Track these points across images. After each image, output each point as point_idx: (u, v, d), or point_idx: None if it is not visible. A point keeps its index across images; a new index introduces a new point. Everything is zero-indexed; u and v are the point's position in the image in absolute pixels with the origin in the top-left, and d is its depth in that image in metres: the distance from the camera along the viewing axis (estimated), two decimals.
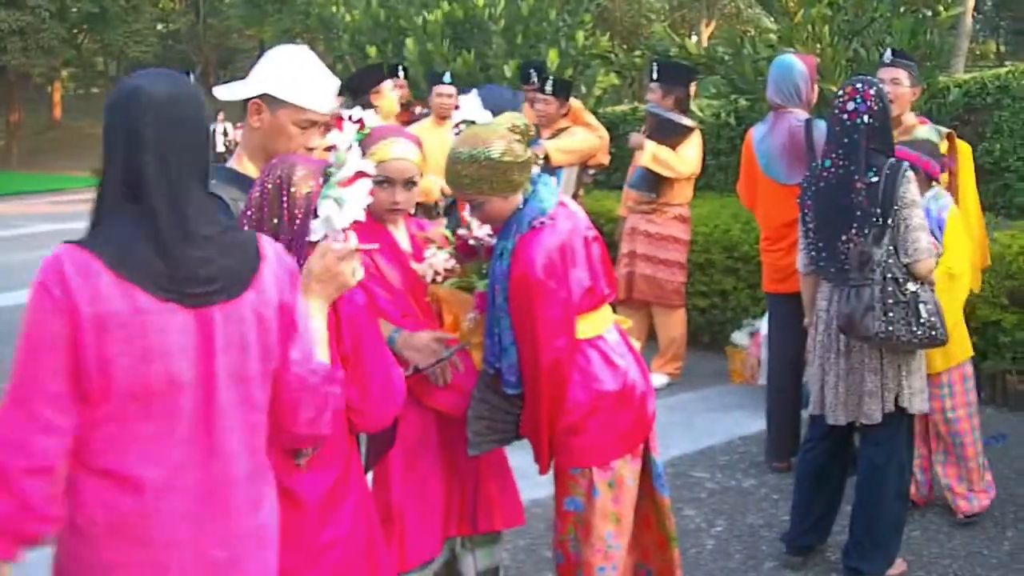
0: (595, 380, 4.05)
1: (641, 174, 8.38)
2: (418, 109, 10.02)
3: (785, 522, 5.57)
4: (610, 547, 4.12)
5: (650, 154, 8.19)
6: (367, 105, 7.74)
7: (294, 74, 3.76)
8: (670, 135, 8.31)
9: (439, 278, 4.22)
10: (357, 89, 8.07)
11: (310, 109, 3.77)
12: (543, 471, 4.18)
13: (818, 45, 10.02)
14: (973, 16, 26.98)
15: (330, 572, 3.32)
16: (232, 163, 3.88)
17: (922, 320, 4.78)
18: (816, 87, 6.60)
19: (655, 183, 8.39)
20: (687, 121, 8.35)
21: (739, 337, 8.72)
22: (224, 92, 3.86)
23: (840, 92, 5.03)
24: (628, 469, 4.16)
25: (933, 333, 4.81)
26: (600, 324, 4.15)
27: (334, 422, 3.12)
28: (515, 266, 3.90)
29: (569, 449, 4.08)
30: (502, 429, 4.10)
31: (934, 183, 5.59)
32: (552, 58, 11.46)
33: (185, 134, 2.68)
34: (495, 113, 5.58)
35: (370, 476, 4.19)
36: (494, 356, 4.04)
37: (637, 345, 4.37)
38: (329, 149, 4.06)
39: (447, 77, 9.16)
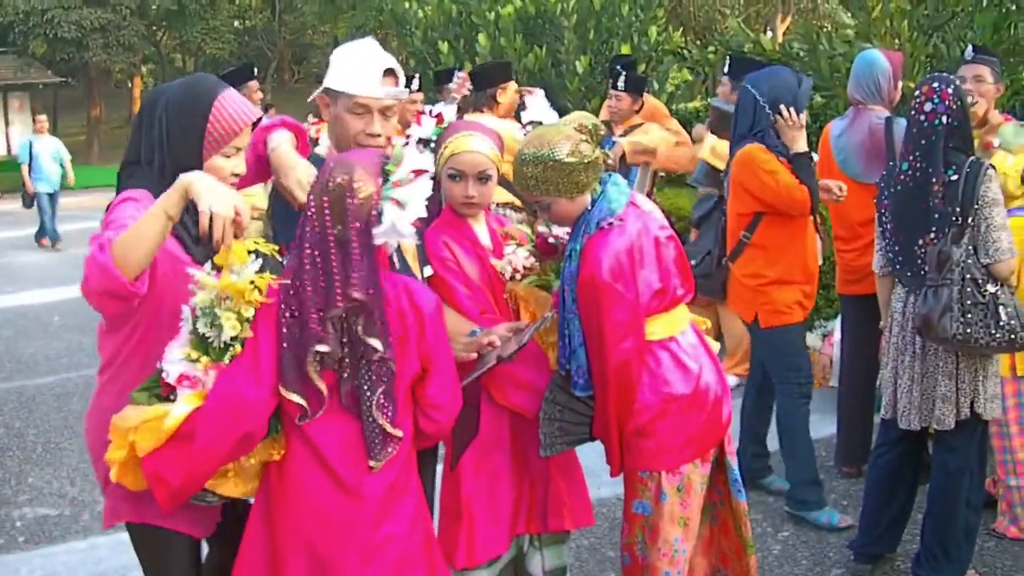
0: (665, 383, 3.99)
1: (703, 169, 8.23)
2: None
3: (854, 529, 5.46)
4: (676, 551, 4.07)
5: (708, 147, 8.04)
6: (492, 99, 7.74)
7: (343, 64, 3.89)
8: (731, 128, 8.13)
9: (518, 275, 4.21)
10: (484, 83, 8.00)
11: (357, 94, 3.84)
12: (614, 473, 4.15)
13: (896, 40, 9.87)
14: None
15: (387, 568, 3.34)
16: (323, 155, 3.98)
17: (1001, 323, 4.65)
18: (899, 85, 6.42)
19: (717, 177, 8.23)
20: None
21: (811, 339, 8.58)
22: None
23: (917, 92, 4.91)
24: (698, 474, 4.10)
25: (1012, 337, 4.67)
26: (673, 326, 4.09)
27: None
28: (583, 268, 3.87)
29: (638, 452, 4.04)
30: (574, 431, 4.06)
31: None
32: (625, 53, 11.36)
33: None
34: (777, 94, 5.66)
35: (439, 471, 4.18)
36: (564, 357, 4.00)
37: (716, 347, 4.28)
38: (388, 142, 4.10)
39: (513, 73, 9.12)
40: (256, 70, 9.34)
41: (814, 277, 5.97)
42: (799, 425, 5.99)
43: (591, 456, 4.20)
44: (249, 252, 3.18)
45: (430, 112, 4.18)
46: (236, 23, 51.15)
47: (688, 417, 4.02)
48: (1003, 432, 5.52)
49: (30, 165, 19.17)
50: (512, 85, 8.07)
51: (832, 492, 6.31)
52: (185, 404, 3.09)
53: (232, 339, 3.12)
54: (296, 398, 3.15)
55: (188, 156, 3.34)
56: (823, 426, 7.24)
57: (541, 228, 4.29)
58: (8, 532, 6.23)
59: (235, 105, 3.41)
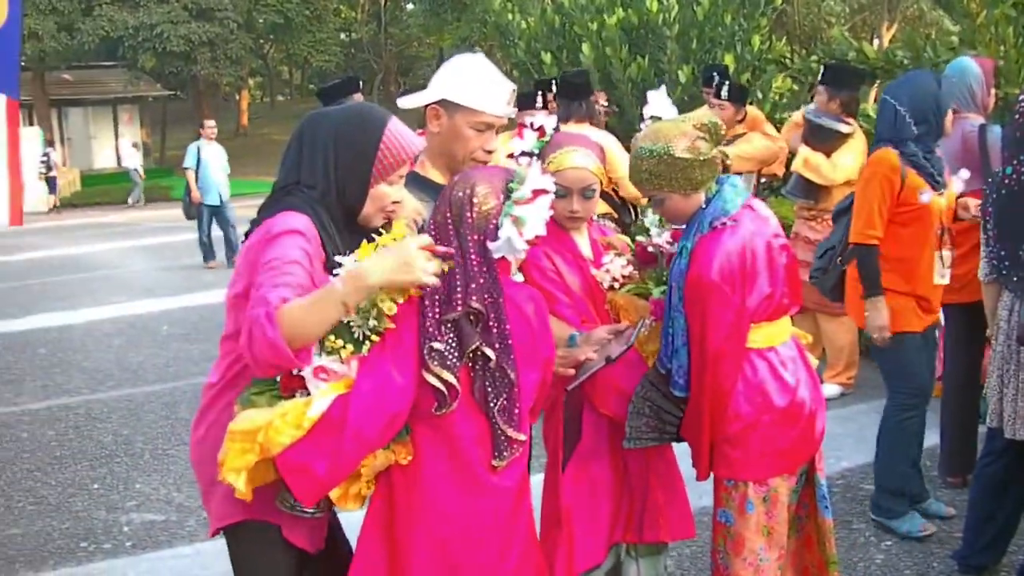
0: (760, 393, 3.98)
1: (796, 180, 8.20)
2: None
3: (958, 539, 5.41)
4: (762, 560, 4.05)
5: (802, 159, 8.03)
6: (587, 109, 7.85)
7: (468, 79, 3.92)
8: (824, 140, 8.06)
9: (617, 284, 4.23)
10: (573, 93, 8.12)
11: (484, 112, 3.91)
12: (701, 477, 4.15)
13: (1001, 47, 9.75)
14: None
15: (514, 570, 3.41)
16: (416, 168, 4.00)
17: None
18: (993, 91, 6.37)
19: (811, 189, 8.20)
20: (843, 127, 8.04)
21: None
22: (406, 102, 4.10)
23: (1021, 96, 4.87)
24: (785, 487, 4.09)
25: None
26: (775, 336, 4.07)
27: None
28: (692, 266, 3.87)
29: (726, 460, 4.04)
30: (661, 428, 4.06)
31: None
32: (728, 63, 11.35)
33: None
34: (924, 108, 5.61)
35: (538, 480, 4.24)
36: (666, 356, 4.00)
37: (815, 363, 4.28)
38: (511, 156, 4.15)
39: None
40: (362, 82, 9.46)
41: (931, 288, 5.78)
42: (900, 435, 5.90)
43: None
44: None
45: (531, 125, 4.24)
46: (342, 36, 51.79)
47: (780, 430, 4.01)
48: None
49: (197, 173, 18.08)
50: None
51: (938, 501, 6.23)
52: (330, 392, 3.13)
53: (373, 330, 3.18)
54: (448, 375, 3.19)
55: (356, 184, 3.40)
56: (927, 436, 7.17)
57: (640, 237, 4.32)
58: (116, 537, 6.38)
59: (403, 137, 3.46)
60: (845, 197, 7.03)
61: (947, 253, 5.73)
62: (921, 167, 5.62)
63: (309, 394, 3.16)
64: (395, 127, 3.46)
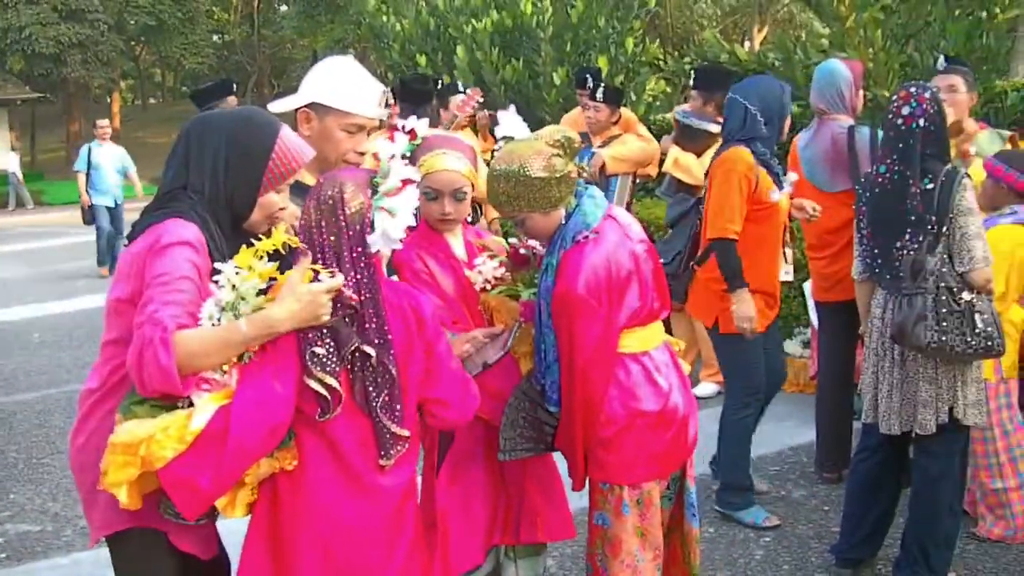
0: (634, 398, 4.00)
1: (668, 181, 8.27)
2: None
3: (835, 533, 5.49)
4: (639, 561, 4.08)
5: (672, 159, 8.10)
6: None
7: (338, 81, 3.92)
8: (695, 141, 8.08)
9: (489, 286, 4.22)
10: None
11: (355, 113, 3.92)
12: (576, 487, 4.17)
13: (870, 50, 9.96)
14: None
15: (401, 571, 3.39)
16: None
17: (977, 330, 4.68)
18: (861, 93, 6.50)
19: (683, 189, 8.26)
20: (713, 127, 8.08)
21: (790, 346, 8.65)
22: (277, 106, 4.08)
23: (895, 97, 4.96)
24: (658, 490, 4.13)
25: (989, 344, 4.71)
26: (648, 341, 4.10)
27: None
28: (558, 282, 3.88)
29: (601, 464, 4.06)
30: (536, 438, 4.07)
31: None
32: (602, 65, 11.43)
33: None
34: (772, 110, 5.83)
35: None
36: (540, 372, 4.02)
37: (687, 369, 4.31)
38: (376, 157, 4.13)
39: (461, 86, 9.28)
40: (236, 85, 9.36)
41: (776, 284, 5.95)
42: (739, 431, 6.04)
43: None
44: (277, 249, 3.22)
45: (403, 128, 4.21)
46: (215, 38, 51.27)
47: (654, 434, 4.03)
48: (986, 436, 5.57)
49: (88, 176, 17.05)
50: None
51: (813, 497, 6.35)
52: (211, 404, 3.08)
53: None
54: (330, 380, 3.15)
55: (245, 191, 3.36)
56: (803, 432, 7.32)
57: (513, 239, 4.31)
58: None
59: (295, 145, 3.44)
60: (677, 201, 7.15)
61: (788, 251, 5.98)
62: (769, 166, 5.79)
63: (190, 405, 3.10)
64: (287, 135, 3.43)
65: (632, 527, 4.06)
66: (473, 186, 4.23)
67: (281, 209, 3.46)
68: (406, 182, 3.36)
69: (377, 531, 3.32)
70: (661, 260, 6.15)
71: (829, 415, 6.58)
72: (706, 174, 6.13)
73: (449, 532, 4.15)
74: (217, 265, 3.15)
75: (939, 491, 4.96)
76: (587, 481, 4.15)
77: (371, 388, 3.25)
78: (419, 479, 4.24)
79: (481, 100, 8.96)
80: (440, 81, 9.93)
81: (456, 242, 4.27)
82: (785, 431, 7.55)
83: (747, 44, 21.90)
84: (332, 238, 3.25)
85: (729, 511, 6.07)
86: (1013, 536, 5.62)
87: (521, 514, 4.26)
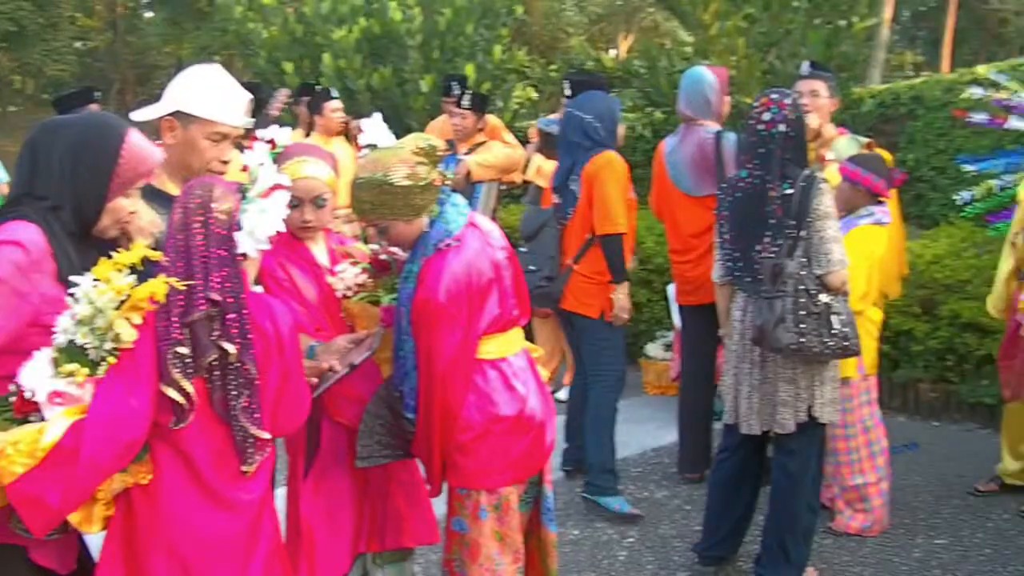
0: (491, 403, 4.01)
1: (533, 189, 8.32)
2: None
3: (697, 532, 5.55)
4: (498, 565, 4.08)
5: (535, 168, 8.16)
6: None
7: (202, 90, 3.88)
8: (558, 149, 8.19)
9: (351, 293, 4.19)
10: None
11: (219, 122, 3.87)
12: (433, 494, 4.17)
13: (733, 57, 10.11)
14: (891, 27, 27.32)
15: None
16: (153, 180, 3.83)
17: (834, 331, 4.77)
18: (727, 99, 6.62)
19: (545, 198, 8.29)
20: None
21: (653, 349, 8.76)
22: (140, 114, 4.00)
23: (755, 103, 5.06)
24: (516, 495, 4.15)
25: (845, 344, 4.81)
26: (507, 347, 4.11)
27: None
28: (419, 290, 3.88)
29: (458, 469, 4.06)
30: (393, 445, 4.07)
31: (880, 199, 5.64)
32: (469, 73, 11.44)
33: None
34: (605, 119, 6.19)
35: (280, 493, 4.17)
36: (399, 379, 4.01)
37: (546, 375, 4.33)
38: (245, 170, 4.08)
39: (334, 92, 9.21)
40: (99, 92, 9.20)
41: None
42: (610, 415, 6.34)
43: None
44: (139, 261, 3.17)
45: (263, 138, 4.17)
46: (78, 44, 50.22)
47: (511, 440, 4.05)
48: (848, 433, 5.70)
49: None
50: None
51: (676, 498, 6.44)
52: (63, 419, 3.01)
53: (110, 352, 3.08)
54: (187, 385, 3.09)
55: (93, 197, 3.29)
56: (665, 434, 7.41)
57: (374, 245, 4.31)
58: None
59: (143, 149, 3.38)
60: (532, 213, 7.26)
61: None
62: None
63: (44, 419, 3.03)
64: (134, 139, 3.37)
65: (490, 532, 4.06)
66: (334, 193, 4.21)
67: (131, 214, 3.41)
68: (276, 187, 3.36)
69: (234, 543, 3.27)
70: (531, 268, 6.39)
71: (691, 416, 6.68)
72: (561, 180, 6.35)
73: (315, 541, 4.13)
74: (74, 279, 3.09)
75: (798, 488, 5.06)
76: (445, 487, 4.16)
77: (232, 390, 3.20)
78: (284, 489, 4.24)
79: (291, 101, 8.97)
80: (314, 88, 9.85)
81: (318, 249, 4.24)
82: (647, 433, 7.64)
83: (613, 52, 22.08)
84: (200, 239, 3.20)
85: (596, 496, 6.21)
86: (870, 529, 5.77)
87: (386, 520, 4.25)
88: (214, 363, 3.18)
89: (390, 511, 4.26)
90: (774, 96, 5.00)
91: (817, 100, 6.26)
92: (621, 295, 6.21)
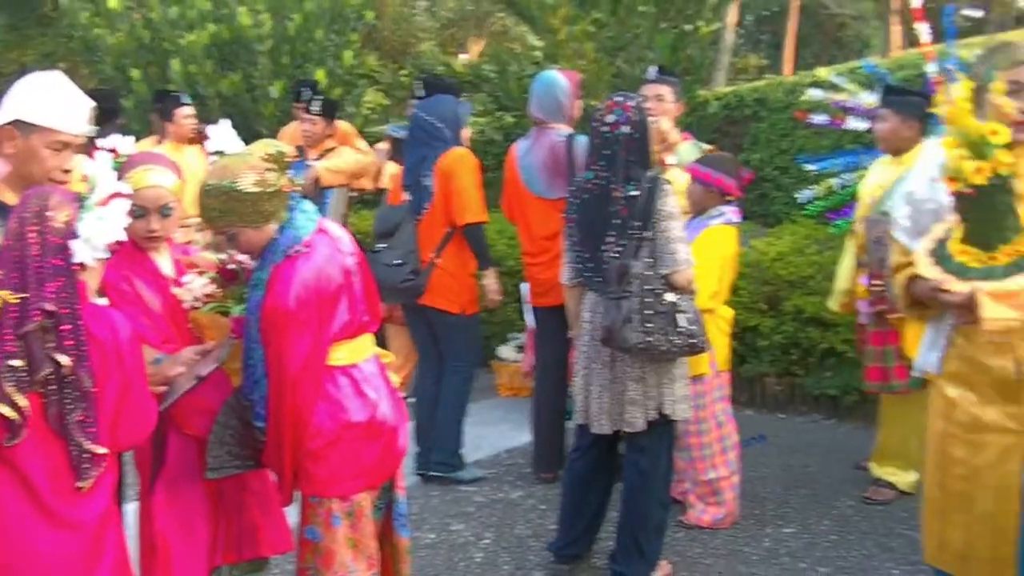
0: (342, 410, 4.00)
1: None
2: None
3: (553, 531, 5.60)
4: (352, 572, 4.07)
5: (389, 176, 8.20)
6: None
7: (42, 98, 3.80)
8: None
9: (198, 303, 4.15)
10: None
11: (60, 131, 3.80)
12: (285, 502, 4.16)
13: (582, 62, 10.21)
14: (735, 31, 27.80)
15: None
16: None
17: (680, 329, 4.86)
18: (578, 103, 6.72)
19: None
20: None
21: (505, 351, 8.83)
22: None
23: (600, 106, 5.14)
24: (368, 501, 4.15)
25: (692, 342, 4.91)
26: (357, 353, 4.11)
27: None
28: (268, 297, 3.85)
29: (310, 477, 4.03)
30: (244, 455, 4.04)
31: (728, 199, 5.77)
32: (319, 78, 11.38)
33: None
34: (449, 121, 6.41)
35: (131, 508, 4.13)
36: (248, 388, 3.98)
37: (396, 381, 4.35)
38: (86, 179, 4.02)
39: (185, 98, 9.10)
40: None
41: None
42: (464, 400, 6.83)
43: None
44: None
45: (103, 147, 4.10)
46: None
47: (363, 445, 4.04)
48: (702, 429, 5.82)
49: None
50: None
51: (530, 498, 6.50)
52: None
53: None
54: (21, 399, 3.04)
55: None
56: (518, 435, 7.50)
57: (221, 255, 4.28)
58: None
59: None
60: (386, 212, 7.35)
61: None
62: None
63: None
64: None
65: (344, 539, 4.05)
66: (178, 201, 4.17)
67: None
68: (116, 194, 3.33)
69: (73, 562, 3.22)
70: (396, 262, 6.48)
71: (544, 417, 6.76)
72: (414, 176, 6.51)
73: (171, 555, 4.08)
74: None
75: (650, 484, 5.14)
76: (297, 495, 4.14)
77: (67, 403, 3.15)
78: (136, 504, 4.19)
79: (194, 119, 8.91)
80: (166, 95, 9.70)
81: (163, 260, 4.19)
82: (501, 434, 7.71)
83: (463, 56, 22.10)
84: (35, 249, 3.16)
85: (449, 474, 6.63)
86: (722, 521, 5.91)
87: (242, 531, 4.23)
88: (50, 376, 3.13)
89: (245, 521, 4.24)
90: (618, 99, 5.09)
91: (663, 104, 6.39)
92: (490, 280, 6.61)
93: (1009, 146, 3.32)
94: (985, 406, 3.66)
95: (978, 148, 3.31)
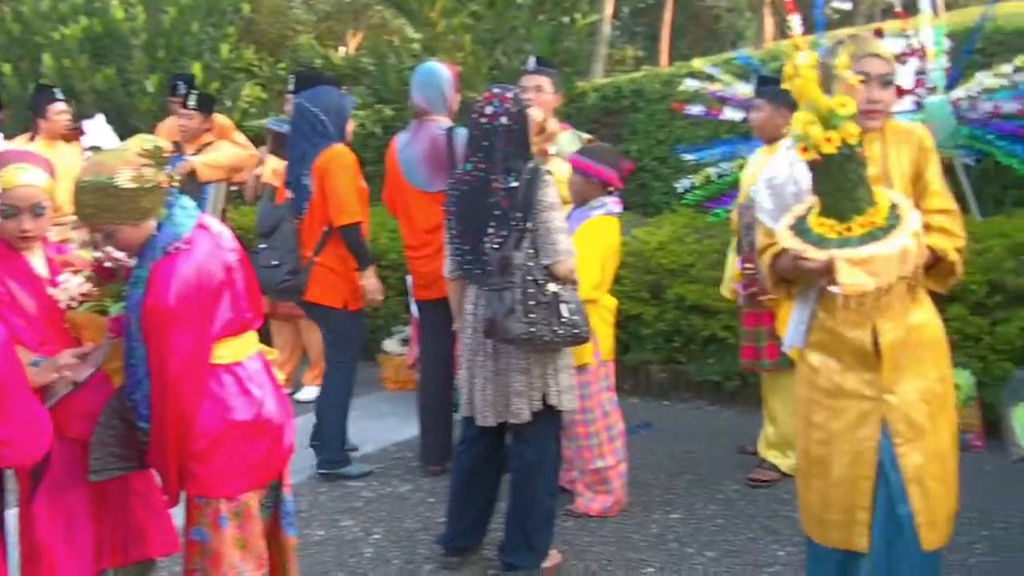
0: (227, 408, 3.95)
1: (268, 192, 8.24)
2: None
3: (442, 524, 5.60)
4: (241, 572, 4.03)
5: (269, 169, 8.11)
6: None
7: None
8: None
9: (75, 303, 4.07)
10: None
11: None
12: (170, 504, 4.10)
13: (460, 54, 10.23)
14: (612, 23, 28.06)
15: None
16: None
17: (563, 319, 4.89)
18: (457, 96, 6.73)
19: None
20: None
21: (390, 344, 8.81)
22: None
23: (479, 98, 5.16)
24: (256, 500, 4.11)
25: (576, 332, 4.94)
26: (241, 351, 4.06)
27: None
28: (148, 295, 3.78)
29: (196, 478, 3.98)
30: (127, 456, 3.98)
31: (610, 189, 5.80)
32: (196, 72, 11.26)
33: None
34: (332, 113, 6.39)
35: (12, 515, 4.05)
36: (131, 387, 3.91)
37: (281, 377, 4.31)
38: None
39: (59, 93, 8.93)
40: None
41: None
42: (347, 395, 6.80)
43: None
44: None
45: None
46: None
47: (249, 444, 4.00)
48: (588, 418, 5.84)
49: None
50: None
51: (419, 491, 6.48)
52: None
53: None
54: None
55: None
56: (405, 428, 7.48)
57: (97, 253, 4.20)
58: None
59: None
60: (267, 210, 7.33)
61: None
62: None
63: None
64: None
65: (232, 539, 4.01)
66: (52, 200, 4.09)
67: None
68: None
69: None
70: (273, 263, 6.47)
71: (431, 409, 6.76)
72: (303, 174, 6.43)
73: (55, 561, 4.00)
74: None
75: (537, 475, 5.16)
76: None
77: None
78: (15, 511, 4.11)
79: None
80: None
81: (36, 260, 4.09)
82: (388, 428, 7.69)
83: (342, 49, 22.00)
84: None
85: (337, 470, 6.62)
86: (610, 509, 5.95)
87: (128, 533, 4.17)
88: None
89: (131, 523, 4.18)
90: (496, 90, 5.12)
91: (542, 95, 6.43)
92: (369, 279, 6.53)
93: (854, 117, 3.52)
94: (845, 373, 3.89)
95: (826, 120, 3.51)
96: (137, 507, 4.19)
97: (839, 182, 3.58)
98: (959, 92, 8.23)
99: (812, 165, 3.61)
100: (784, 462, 6.35)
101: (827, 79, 3.63)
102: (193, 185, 8.00)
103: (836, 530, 3.95)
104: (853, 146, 3.52)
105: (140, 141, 3.91)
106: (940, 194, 3.94)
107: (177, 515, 4.22)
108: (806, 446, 4.03)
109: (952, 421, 3.98)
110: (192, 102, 8.43)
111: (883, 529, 3.85)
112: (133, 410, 3.92)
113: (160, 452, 3.91)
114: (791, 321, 4.07)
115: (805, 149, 3.57)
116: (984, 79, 8.20)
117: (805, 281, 3.90)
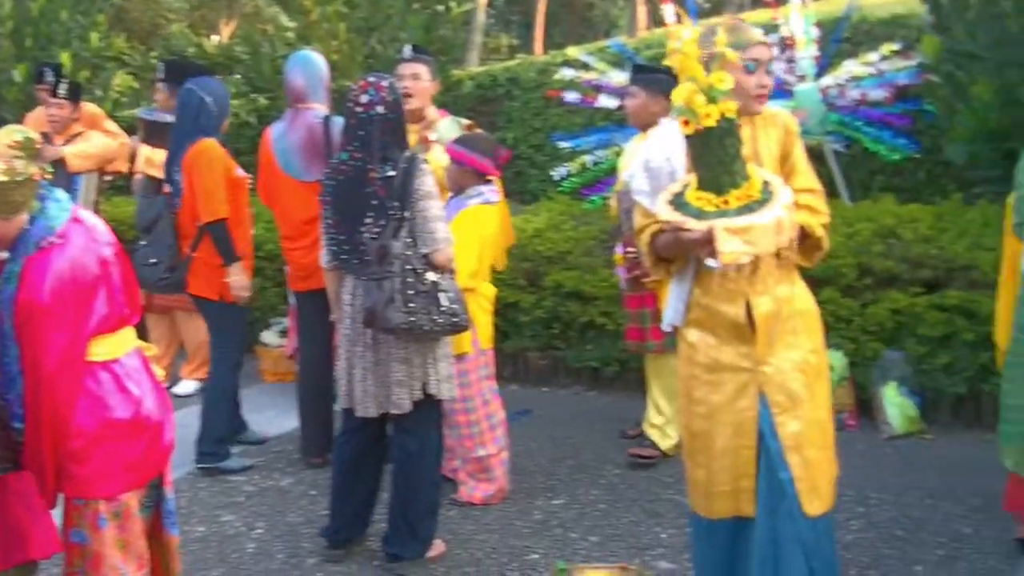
0: (104, 407, 3.89)
1: (142, 182, 8.12)
2: None
3: (325, 517, 5.56)
4: (123, 573, 3.98)
5: (144, 158, 8.01)
6: None
7: None
8: (164, 136, 7.95)
9: None
10: None
11: None
12: (49, 505, 4.02)
13: (335, 42, 10.20)
14: (487, 11, 28.10)
15: None
16: None
17: (442, 308, 4.92)
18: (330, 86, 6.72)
19: (159, 188, 8.10)
20: None
21: (268, 336, 8.74)
22: None
23: (354, 87, 5.14)
24: (136, 500, 4.04)
25: (455, 320, 4.97)
26: (118, 347, 3.99)
27: None
28: (21, 291, 3.71)
29: (73, 478, 3.91)
30: (2, 457, 3.90)
31: (487, 178, 5.81)
32: (65, 61, 11.03)
33: None
34: (219, 104, 6.46)
35: None
36: (4, 386, 3.83)
37: (160, 374, 4.25)
38: None
39: None
40: None
41: (252, 254, 7.00)
42: (230, 389, 6.83)
43: None
44: None
45: None
46: None
47: (128, 443, 3.94)
48: (468, 407, 5.86)
49: None
50: None
51: (301, 484, 6.45)
52: None
53: None
54: None
55: None
56: (285, 420, 7.45)
57: None
58: None
59: None
60: (145, 205, 7.29)
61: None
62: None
63: None
64: None
65: (112, 540, 3.95)
66: None
67: None
68: None
69: None
70: (152, 261, 6.42)
71: (311, 401, 6.73)
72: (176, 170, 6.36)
73: None
74: None
75: (419, 464, 5.19)
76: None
77: None
78: None
79: None
80: None
81: None
82: (267, 420, 7.61)
83: (215, 38, 21.75)
84: None
85: (216, 463, 6.60)
86: (493, 497, 5.97)
87: (9, 535, 4.07)
88: None
89: (10, 525, 4.07)
90: (371, 79, 5.11)
91: (419, 83, 6.43)
92: (236, 275, 6.46)
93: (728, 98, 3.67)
94: (722, 347, 4.00)
95: (707, 95, 3.65)
96: (17, 508, 4.08)
97: (719, 155, 3.69)
98: (828, 80, 8.44)
99: (692, 139, 3.72)
100: (665, 442, 6.44)
101: (706, 61, 3.72)
102: (63, 176, 7.85)
103: (723, 500, 4.05)
104: (732, 120, 3.66)
105: (10, 132, 3.81)
106: (805, 174, 4.08)
107: (57, 515, 4.14)
108: (689, 422, 4.12)
109: (828, 391, 4.12)
110: (63, 90, 8.27)
111: (766, 497, 3.94)
112: (7, 410, 3.84)
113: (35, 453, 3.83)
114: (669, 300, 4.16)
115: (687, 123, 3.68)
116: (852, 67, 8.43)
117: (684, 258, 4.00)
